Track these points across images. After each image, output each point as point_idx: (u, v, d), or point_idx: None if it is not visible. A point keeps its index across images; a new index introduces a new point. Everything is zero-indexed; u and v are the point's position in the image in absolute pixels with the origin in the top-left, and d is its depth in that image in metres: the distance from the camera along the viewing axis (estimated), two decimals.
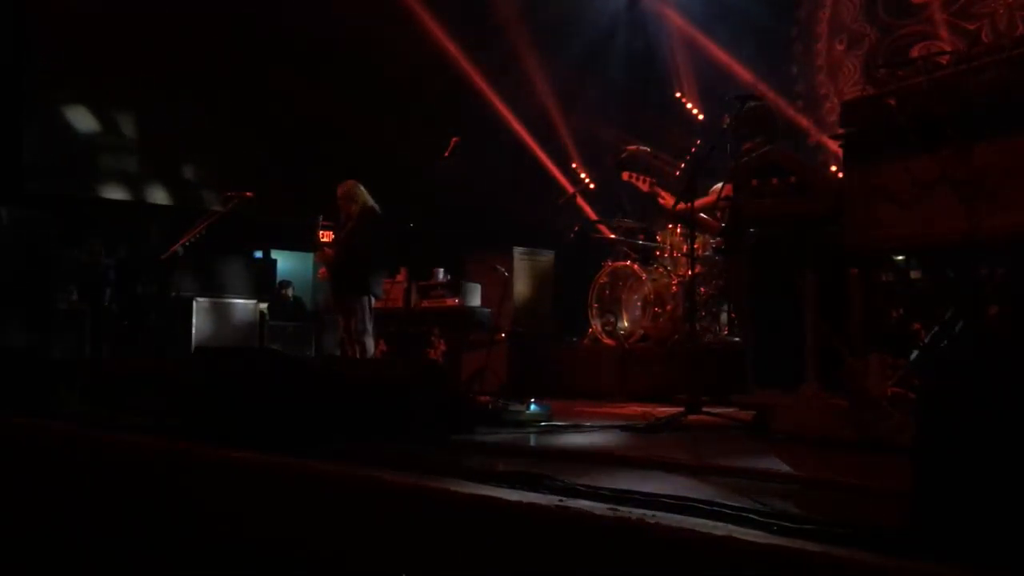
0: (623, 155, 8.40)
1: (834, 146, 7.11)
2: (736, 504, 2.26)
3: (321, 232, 7.68)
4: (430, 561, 2.58)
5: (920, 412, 2.03)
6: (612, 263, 8.34)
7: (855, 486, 2.73)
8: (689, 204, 5.34)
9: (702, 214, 6.62)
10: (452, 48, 11.69)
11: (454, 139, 6.59)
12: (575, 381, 7.76)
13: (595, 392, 7.26)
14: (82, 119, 12.56)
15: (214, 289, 9.87)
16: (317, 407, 3.94)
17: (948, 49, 7.77)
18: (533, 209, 10.42)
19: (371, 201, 7.67)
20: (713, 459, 3.46)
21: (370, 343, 7.64)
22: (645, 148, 8.76)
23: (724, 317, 7.66)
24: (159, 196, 13.08)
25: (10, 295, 9.21)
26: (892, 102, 3.67)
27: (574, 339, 8.73)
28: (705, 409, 4.79)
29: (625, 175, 7.84)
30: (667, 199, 7.46)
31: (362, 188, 7.71)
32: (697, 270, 6.96)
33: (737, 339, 7.01)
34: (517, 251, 9.07)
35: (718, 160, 6.30)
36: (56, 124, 12.29)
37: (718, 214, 6.49)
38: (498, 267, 8.60)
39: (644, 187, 7.69)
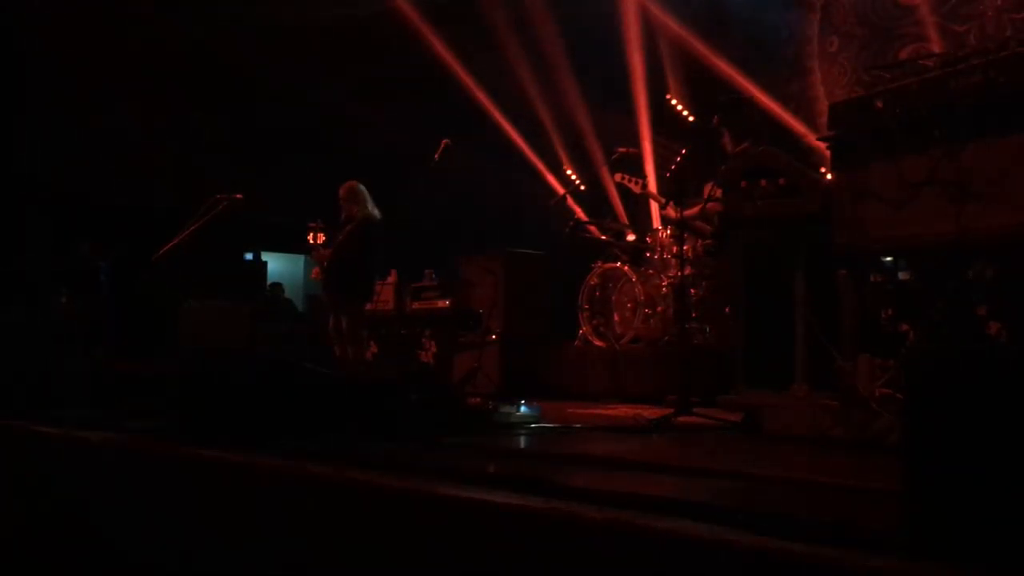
0: (614, 156, 8.41)
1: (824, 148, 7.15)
2: (725, 505, 2.26)
3: (312, 234, 7.66)
4: (422, 563, 2.58)
5: (908, 412, 2.04)
6: (602, 264, 8.34)
7: (845, 486, 2.74)
8: (679, 207, 5.35)
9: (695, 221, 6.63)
10: (444, 50, 11.69)
11: (444, 141, 6.59)
12: (566, 383, 7.76)
13: (586, 394, 7.26)
14: (74, 120, 12.52)
15: (204, 291, 9.84)
16: (308, 409, 3.94)
17: (937, 51, 7.80)
18: (524, 210, 10.42)
19: (372, 204, 7.65)
20: (703, 460, 3.47)
21: (362, 345, 7.64)
22: (635, 150, 8.76)
23: (715, 318, 7.66)
24: (150, 197, 13.05)
25: (1, 297, 9.18)
26: (880, 104, 3.69)
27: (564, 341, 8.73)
28: (695, 410, 4.80)
29: (617, 176, 7.85)
30: (660, 200, 7.48)
31: (364, 190, 7.67)
32: (687, 271, 6.97)
33: (728, 340, 7.02)
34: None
35: (708, 162, 6.32)
36: (48, 124, 12.26)
37: (707, 215, 6.49)
38: (489, 269, 8.60)
39: (636, 188, 7.71)
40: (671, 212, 7.24)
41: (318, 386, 4.06)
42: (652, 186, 8.33)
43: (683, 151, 8.40)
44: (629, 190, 7.78)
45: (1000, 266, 3.66)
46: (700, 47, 10.37)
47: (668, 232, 8.06)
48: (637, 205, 9.89)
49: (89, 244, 10.80)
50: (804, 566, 1.84)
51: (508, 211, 10.79)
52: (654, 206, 9.31)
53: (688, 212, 5.66)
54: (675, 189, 5.46)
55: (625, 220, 9.90)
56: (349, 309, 7.62)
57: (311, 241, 7.61)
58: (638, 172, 9.09)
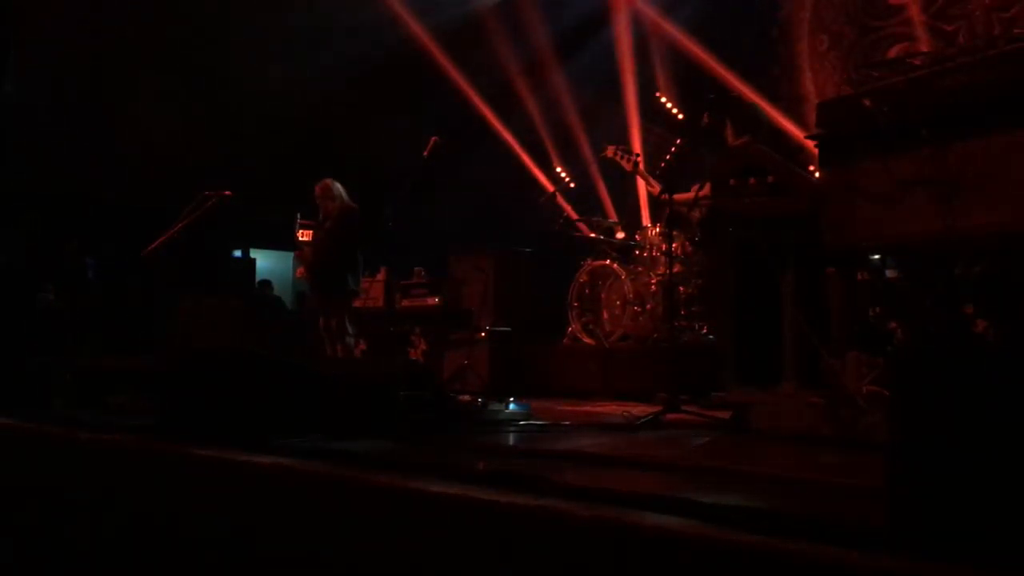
0: (602, 154, 8.40)
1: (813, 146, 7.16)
2: (713, 502, 2.27)
3: (300, 231, 7.65)
4: (412, 560, 2.57)
5: (895, 410, 2.05)
6: (592, 262, 8.35)
7: (832, 484, 2.75)
8: (669, 197, 5.34)
9: (683, 207, 6.60)
10: (434, 46, 11.68)
11: (433, 138, 6.57)
12: (556, 380, 7.76)
13: (576, 391, 7.26)
14: (63, 116, 12.45)
15: (193, 288, 9.81)
16: (297, 406, 3.93)
17: (925, 50, 7.83)
18: (514, 208, 10.42)
19: (348, 198, 7.65)
20: (692, 458, 3.47)
21: (351, 342, 7.63)
22: (624, 147, 8.75)
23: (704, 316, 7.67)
24: (138, 195, 12.99)
25: None
26: (868, 102, 3.69)
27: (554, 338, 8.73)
28: (684, 408, 4.81)
29: (610, 151, 7.77)
30: (651, 182, 7.44)
31: (339, 185, 7.69)
32: (676, 269, 6.97)
33: (717, 337, 7.03)
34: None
35: (699, 159, 6.31)
36: (37, 122, 12.19)
37: (697, 212, 6.49)
38: (479, 266, 8.60)
39: (627, 166, 7.65)
40: (655, 191, 7.23)
41: (307, 384, 4.05)
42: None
43: (674, 145, 8.39)
44: (621, 167, 7.71)
45: (987, 264, 3.68)
46: (690, 45, 10.39)
47: (657, 230, 8.06)
48: (625, 200, 9.89)
49: (75, 241, 10.76)
50: (789, 563, 1.85)
51: (498, 209, 10.79)
52: (644, 204, 9.32)
53: (679, 197, 5.62)
54: (666, 183, 5.43)
55: (614, 217, 9.90)
56: (337, 307, 7.61)
57: (300, 238, 7.61)
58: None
